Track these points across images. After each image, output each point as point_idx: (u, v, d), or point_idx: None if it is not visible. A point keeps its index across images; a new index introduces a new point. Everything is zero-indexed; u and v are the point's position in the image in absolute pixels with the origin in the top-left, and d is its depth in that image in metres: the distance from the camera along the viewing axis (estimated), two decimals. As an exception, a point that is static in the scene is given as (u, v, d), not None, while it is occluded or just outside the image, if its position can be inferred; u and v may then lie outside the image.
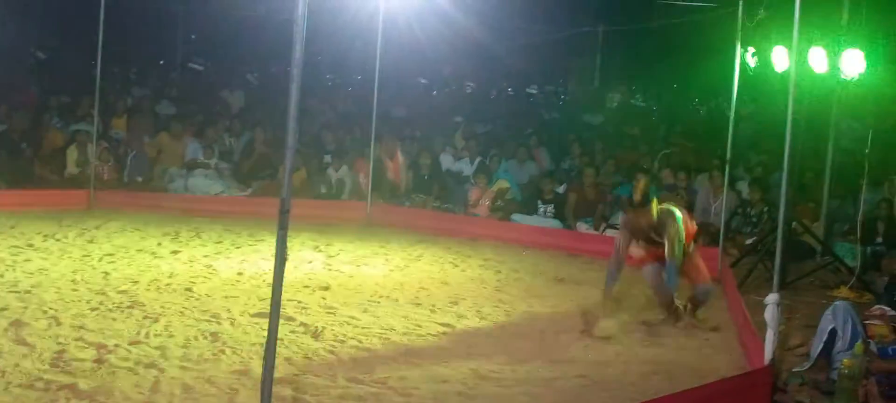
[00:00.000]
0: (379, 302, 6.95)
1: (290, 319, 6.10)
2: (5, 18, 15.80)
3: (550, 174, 11.85)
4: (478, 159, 12.48)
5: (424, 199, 11.74)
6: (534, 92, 18.58)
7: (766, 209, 10.26)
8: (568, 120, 15.19)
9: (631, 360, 5.79)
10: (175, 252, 8.45)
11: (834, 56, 8.03)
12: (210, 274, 7.63)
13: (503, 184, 11.52)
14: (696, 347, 6.28)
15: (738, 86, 8.93)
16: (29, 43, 17.90)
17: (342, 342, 5.73)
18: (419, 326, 6.24)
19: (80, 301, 6.24)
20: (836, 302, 5.79)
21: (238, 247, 8.95)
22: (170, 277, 7.32)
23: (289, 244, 3.47)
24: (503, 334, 6.24)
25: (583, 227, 10.63)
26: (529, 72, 18.14)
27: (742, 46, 8.86)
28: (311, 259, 8.56)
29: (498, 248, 9.73)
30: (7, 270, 7.07)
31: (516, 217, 10.98)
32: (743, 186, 11.07)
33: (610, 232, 10.03)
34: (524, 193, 11.56)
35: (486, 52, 15.73)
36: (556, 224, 10.76)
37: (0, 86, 13.59)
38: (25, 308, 5.88)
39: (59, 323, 5.57)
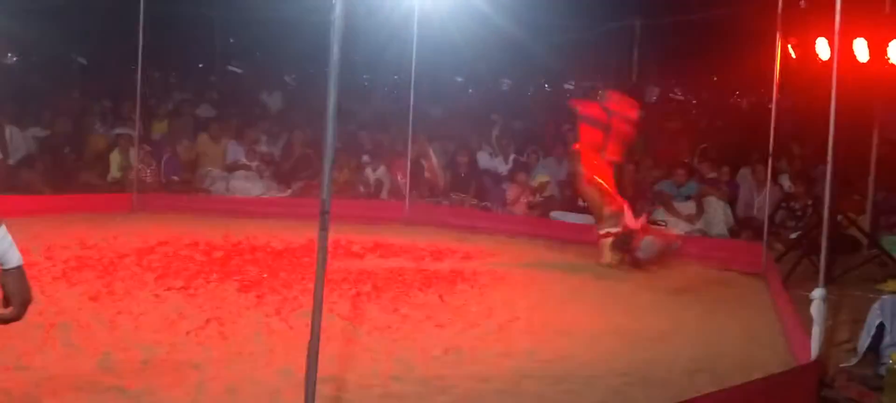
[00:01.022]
0: (419, 301, 6.96)
1: (332, 318, 6.13)
2: (47, 25, 16.11)
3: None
4: (513, 157, 12.45)
5: (462, 198, 11.74)
6: (571, 88, 18.46)
7: (810, 202, 10.12)
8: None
9: (675, 358, 5.73)
10: (216, 252, 8.53)
11: (877, 46, 7.90)
12: (251, 274, 7.70)
13: (543, 178, 11.49)
14: (741, 343, 6.22)
15: (780, 78, 8.81)
16: (70, 49, 18.23)
17: (382, 336, 5.76)
18: (460, 323, 6.24)
19: (128, 303, 6.33)
20: (884, 296, 5.69)
21: (279, 247, 9.02)
22: (218, 277, 7.40)
23: (328, 243, 3.49)
24: (544, 331, 6.22)
25: (623, 223, 10.55)
26: (566, 67, 18.03)
27: (783, 37, 8.74)
28: (349, 256, 8.61)
29: (537, 245, 9.70)
30: (55, 273, 7.18)
31: (555, 214, 10.94)
32: (786, 180, 10.92)
33: (651, 228, 9.94)
34: (563, 190, 11.51)
35: (522, 49, 15.65)
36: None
37: (43, 91, 13.86)
38: (73, 310, 5.97)
39: (106, 326, 5.66)
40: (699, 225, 10.32)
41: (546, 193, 11.38)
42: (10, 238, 2.38)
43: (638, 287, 8.11)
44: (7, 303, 2.43)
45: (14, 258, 2.40)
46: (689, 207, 10.49)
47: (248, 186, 12.13)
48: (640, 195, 10.82)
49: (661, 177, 11.25)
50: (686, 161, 11.66)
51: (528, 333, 6.13)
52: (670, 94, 17.66)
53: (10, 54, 17.81)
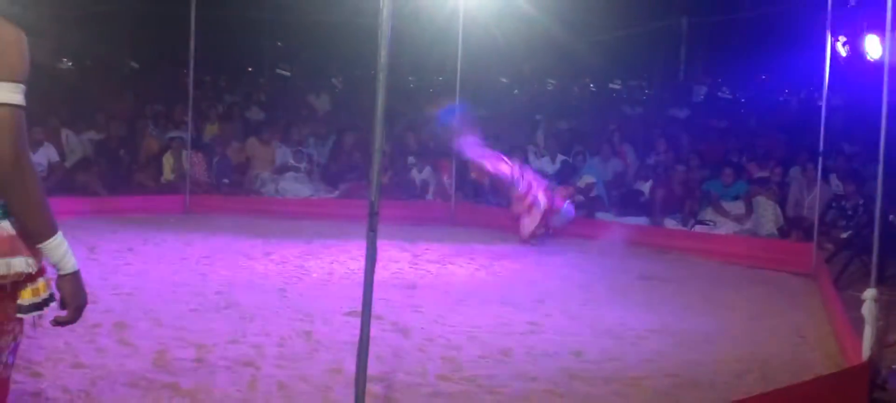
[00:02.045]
0: (465, 301, 7.01)
1: (380, 318, 6.20)
2: (100, 31, 16.49)
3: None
4: (559, 157, 12.43)
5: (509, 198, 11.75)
6: (616, 87, 18.36)
7: (861, 202, 9.95)
8: (652, 114, 14.98)
9: (723, 359, 5.70)
10: (268, 253, 8.69)
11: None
12: (302, 274, 7.83)
13: (588, 179, 11.46)
14: (791, 344, 6.15)
15: (830, 76, 8.69)
16: (124, 54, 18.64)
17: (431, 340, 5.80)
18: (506, 324, 6.27)
19: (179, 302, 6.48)
20: (938, 297, 5.60)
21: (328, 248, 9.15)
22: (263, 278, 7.54)
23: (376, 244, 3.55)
24: (591, 332, 6.22)
25: (670, 223, 10.49)
26: (612, 66, 17.94)
27: (832, 35, 8.61)
28: (397, 258, 8.69)
29: (583, 246, 9.68)
30: (110, 274, 7.37)
31: (601, 214, 10.91)
32: (836, 179, 10.76)
33: (699, 228, 9.89)
34: (609, 190, 11.48)
35: (567, 49, 15.63)
36: (643, 220, 10.66)
37: (97, 95, 14.19)
38: (128, 310, 6.12)
39: (160, 324, 5.79)
40: (748, 225, 10.21)
41: (592, 194, 11.34)
42: (66, 244, 2.45)
43: (686, 286, 8.06)
44: (64, 306, 2.51)
45: (70, 263, 2.46)
46: (737, 207, 10.39)
47: (296, 188, 12.31)
48: (689, 194, 10.74)
49: (710, 176, 11.15)
50: (734, 160, 11.53)
51: (575, 334, 6.13)
52: (718, 93, 17.45)
53: (64, 60, 18.26)
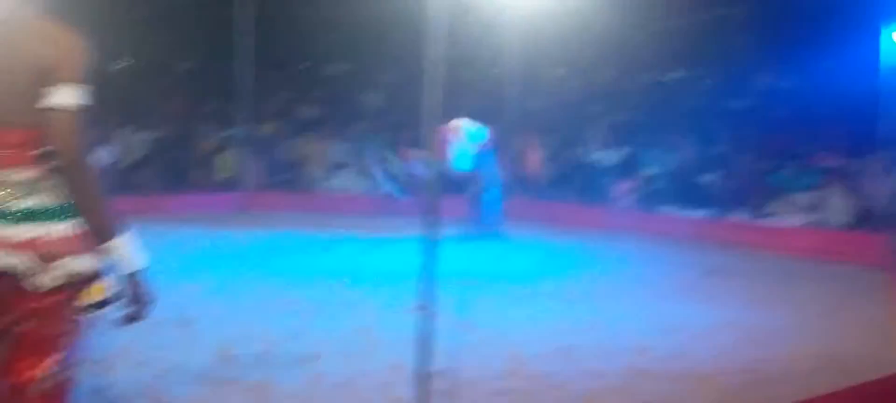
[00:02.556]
0: (527, 296, 6.90)
1: (441, 313, 6.10)
2: (156, 31, 16.71)
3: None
4: (618, 149, 12.21)
5: (567, 192, 11.62)
6: (676, 76, 18.01)
7: (937, 191, 9.59)
8: (714, 105, 14.64)
9: (794, 354, 5.50)
10: (325, 249, 8.68)
11: None
12: (360, 269, 7.79)
13: (650, 171, 11.26)
14: (864, 340, 5.92)
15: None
16: (178, 53, 18.86)
17: (493, 335, 5.71)
18: (570, 320, 6.15)
19: (240, 299, 6.49)
20: None
21: (384, 243, 9.12)
22: (325, 273, 7.52)
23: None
24: (657, 328, 6.05)
25: (736, 216, 10.24)
26: (670, 57, 17.60)
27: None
28: (455, 254, 8.59)
29: (645, 240, 9.49)
30: (171, 272, 7.41)
31: (663, 207, 10.70)
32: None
33: (766, 221, 9.65)
34: (671, 182, 11.24)
35: (624, 39, 15.37)
36: (706, 213, 10.43)
37: (153, 95, 14.39)
38: (190, 307, 6.14)
39: (222, 321, 5.80)
40: (817, 216, 9.90)
41: (653, 186, 11.13)
42: (131, 243, 2.44)
43: (753, 280, 7.85)
44: (129, 304, 2.49)
45: (136, 262, 2.46)
46: (806, 198, 10.09)
47: (350, 184, 12.31)
48: (754, 186, 10.46)
49: (776, 167, 10.85)
50: (802, 150, 11.20)
51: (640, 330, 5.98)
52: (781, 81, 16.99)
53: (120, 60, 18.54)
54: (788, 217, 9.87)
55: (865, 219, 9.75)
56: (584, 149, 12.51)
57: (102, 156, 11.29)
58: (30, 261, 2.34)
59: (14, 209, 2.35)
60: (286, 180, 12.59)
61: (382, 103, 16.25)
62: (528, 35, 11.76)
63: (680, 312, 6.51)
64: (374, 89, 16.89)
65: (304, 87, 17.08)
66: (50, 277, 2.36)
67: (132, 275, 2.45)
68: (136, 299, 2.47)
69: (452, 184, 10.19)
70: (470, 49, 14.60)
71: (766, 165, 10.98)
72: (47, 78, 2.28)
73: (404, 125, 13.22)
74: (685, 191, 10.85)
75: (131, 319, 2.50)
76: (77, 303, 2.44)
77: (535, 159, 12.19)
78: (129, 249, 2.44)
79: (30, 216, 2.35)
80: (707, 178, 10.96)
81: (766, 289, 7.48)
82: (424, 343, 4.07)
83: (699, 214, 10.45)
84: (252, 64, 11.71)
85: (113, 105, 12.50)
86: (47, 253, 2.36)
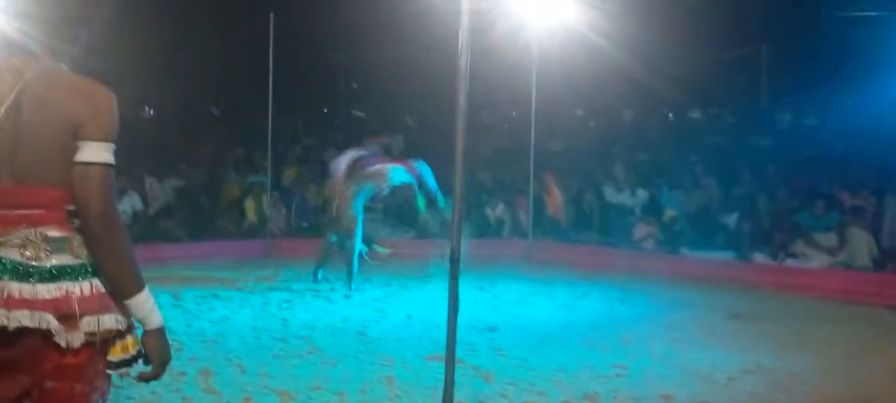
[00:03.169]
0: (548, 342, 6.87)
1: (461, 361, 6.09)
2: (181, 79, 16.97)
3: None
4: (639, 190, 12.19)
5: (588, 235, 11.59)
6: (696, 116, 18.01)
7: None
8: (735, 143, 14.62)
9: (821, 400, 5.44)
10: (347, 296, 8.69)
11: None
12: (381, 317, 7.80)
13: (671, 212, 11.21)
14: (892, 383, 5.85)
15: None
16: (204, 101, 19.14)
17: (514, 384, 5.67)
18: (591, 367, 6.10)
19: (262, 348, 6.50)
20: None
21: (406, 289, 9.13)
22: (344, 321, 7.53)
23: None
24: (680, 374, 6.00)
25: (759, 258, 10.15)
26: (690, 95, 17.62)
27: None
28: (477, 299, 8.59)
29: (667, 283, 9.43)
30: (194, 319, 7.46)
31: (685, 249, 10.64)
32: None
33: (790, 262, 9.57)
34: (692, 224, 11.19)
35: (643, 79, 15.42)
36: (729, 255, 10.35)
37: (179, 143, 14.56)
38: (213, 356, 6.17)
39: (244, 371, 5.81)
40: (842, 257, 9.81)
41: (675, 228, 11.08)
42: (152, 300, 2.46)
43: (777, 323, 7.77)
44: (148, 362, 2.51)
45: (156, 319, 2.47)
46: (830, 239, 9.99)
47: (372, 228, 12.32)
48: (777, 226, 10.38)
49: (799, 207, 10.77)
50: (825, 189, 11.13)
51: (663, 376, 5.93)
52: (803, 120, 16.95)
53: (147, 108, 18.83)
54: (812, 257, 9.78)
55: (890, 259, 9.65)
56: (605, 191, 12.50)
57: (129, 204, 11.43)
58: (58, 319, 2.37)
59: (44, 266, 2.37)
60: (310, 225, 12.65)
61: (403, 146, 16.33)
62: (547, 77, 11.81)
63: (704, 357, 6.46)
64: (395, 132, 16.98)
65: (328, 132, 17.23)
66: (77, 335, 2.38)
67: (153, 332, 2.47)
68: (157, 357, 2.48)
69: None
70: (489, 92, 14.70)
71: (789, 205, 10.92)
72: (77, 134, 2.30)
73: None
74: (707, 232, 10.79)
75: (150, 377, 2.51)
76: (104, 361, 2.48)
77: (556, 201, 12.19)
78: (151, 306, 2.47)
79: (59, 273, 2.37)
80: (729, 219, 10.91)
81: (790, 332, 7.40)
82: (448, 397, 4.06)
83: (722, 255, 10.39)
84: (275, 110, 11.83)
85: (140, 153, 12.67)
86: (75, 311, 2.38)
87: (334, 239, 8.83)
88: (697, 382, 5.81)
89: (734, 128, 16.34)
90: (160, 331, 2.48)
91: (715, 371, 6.06)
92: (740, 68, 16.52)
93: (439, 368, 5.04)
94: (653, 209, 11.57)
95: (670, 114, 18.49)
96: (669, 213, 11.29)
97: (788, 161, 13.19)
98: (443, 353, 4.71)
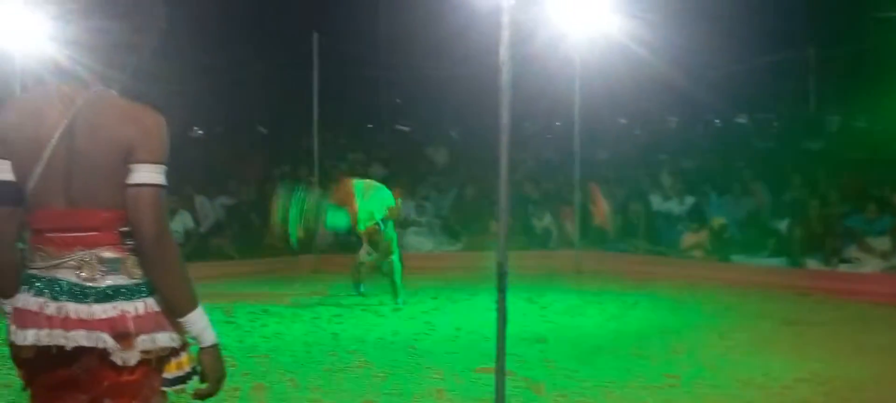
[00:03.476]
0: (598, 354, 6.83)
1: (511, 374, 6.08)
2: (229, 99, 17.24)
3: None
4: (688, 198, 12.04)
5: (635, 244, 11.49)
6: (743, 121, 17.76)
7: None
8: (784, 148, 14.39)
9: None
10: (396, 309, 8.74)
11: None
12: (430, 329, 7.82)
13: (719, 220, 11.06)
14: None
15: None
16: (251, 119, 19.41)
17: (564, 396, 5.66)
18: (642, 378, 6.05)
19: (314, 362, 6.57)
20: None
21: (454, 302, 9.15)
22: (394, 334, 7.57)
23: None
24: (732, 383, 5.93)
25: (812, 263, 9.98)
26: (737, 100, 17.39)
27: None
28: (524, 310, 8.57)
29: (718, 291, 9.31)
30: (246, 335, 7.56)
31: (736, 257, 10.49)
32: None
33: (843, 267, 9.39)
34: (742, 230, 11.03)
35: (687, 85, 15.28)
36: (781, 261, 10.18)
37: (228, 161, 14.77)
38: (266, 372, 6.24)
39: (297, 386, 5.87)
40: (896, 261, 9.60)
41: (724, 235, 10.93)
42: (206, 317, 2.50)
43: (832, 329, 7.63)
44: (203, 379, 2.55)
45: (209, 337, 2.52)
46: (883, 242, 9.78)
47: (419, 241, 12.39)
48: (829, 231, 10.18)
49: (851, 211, 10.56)
50: (877, 193, 10.89)
51: (716, 386, 5.86)
52: (853, 122, 16.61)
53: (195, 129, 19.15)
54: (865, 262, 9.59)
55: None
56: (652, 199, 12.38)
57: (180, 223, 11.62)
58: (114, 338, 2.43)
59: (99, 286, 2.43)
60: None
61: (448, 159, 16.39)
62: (590, 86, 11.77)
63: (757, 365, 6.36)
64: (441, 145, 17.05)
65: (372, 147, 17.35)
66: (133, 353, 2.43)
67: (208, 349, 2.52)
68: (212, 373, 2.52)
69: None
70: (531, 102, 14.68)
71: (840, 209, 10.70)
72: (128, 157, 2.36)
73: (472, 179, 13.32)
74: (757, 239, 10.63)
75: (206, 394, 2.56)
76: (159, 378, 2.53)
77: (602, 210, 12.10)
78: (205, 324, 2.51)
79: (114, 293, 2.43)
80: (780, 224, 10.73)
81: (845, 339, 7.26)
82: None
83: (773, 262, 10.23)
84: (320, 127, 11.98)
85: (190, 173, 12.89)
86: (130, 330, 2.43)
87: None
88: (751, 391, 5.74)
89: (782, 133, 16.08)
90: (215, 348, 2.52)
91: (769, 380, 5.97)
92: (787, 72, 16.25)
93: (489, 380, 5.05)
94: (701, 216, 11.42)
95: (717, 121, 18.26)
96: (718, 221, 11.14)
97: (839, 164, 12.93)
98: (492, 365, 4.72)
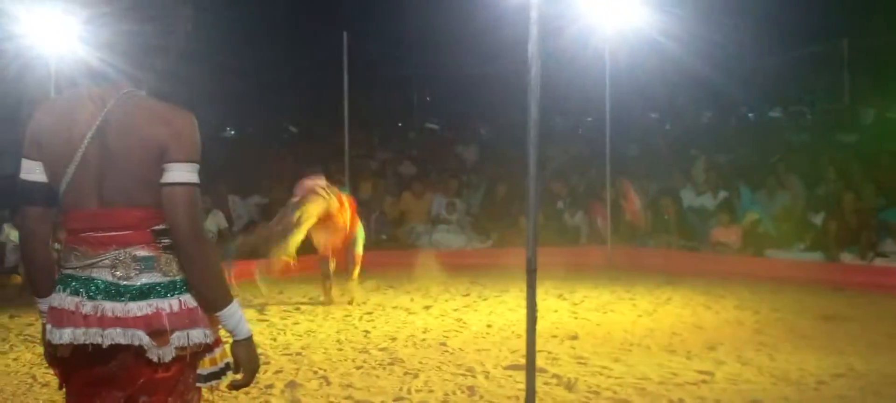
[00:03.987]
0: (630, 350, 6.78)
1: (542, 371, 6.08)
2: (260, 99, 17.39)
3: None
4: (722, 192, 11.92)
5: (668, 239, 11.41)
6: (777, 114, 17.56)
7: None
8: (818, 141, 14.20)
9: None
10: (427, 307, 8.76)
11: None
12: (461, 327, 7.83)
13: (753, 215, 10.94)
14: None
15: None
16: (282, 119, 19.57)
17: (596, 393, 5.62)
18: (676, 375, 6.00)
19: (346, 360, 6.60)
20: None
21: (485, 299, 9.14)
22: (424, 332, 7.59)
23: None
24: (768, 379, 5.86)
25: (847, 257, 9.84)
26: (770, 93, 17.21)
27: None
28: (556, 307, 8.55)
29: (753, 286, 9.22)
30: (279, 333, 7.61)
31: (770, 252, 10.38)
32: None
33: (879, 262, 9.25)
34: (777, 225, 10.90)
35: (719, 79, 15.13)
36: (817, 256, 10.06)
37: (261, 161, 14.88)
38: (298, 369, 6.28)
39: (328, 383, 5.90)
40: (934, 253, 9.45)
41: (758, 230, 10.81)
42: (240, 311, 2.55)
43: (869, 325, 7.52)
44: (238, 371, 2.59)
45: (243, 330, 2.56)
46: (921, 235, 9.65)
47: (450, 239, 12.42)
48: (865, 225, 10.03)
49: (887, 204, 10.40)
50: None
51: (751, 382, 5.80)
52: (888, 114, 16.35)
53: (227, 129, 19.34)
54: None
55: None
56: (684, 194, 12.27)
57: (213, 222, 11.73)
58: (149, 335, 2.46)
59: (134, 285, 2.47)
60: (388, 237, 12.80)
61: (477, 156, 16.39)
62: (620, 81, 11.70)
63: (792, 361, 6.29)
64: (470, 143, 17.06)
65: (402, 145, 17.41)
66: (168, 350, 2.47)
67: (242, 342, 2.55)
68: (246, 366, 2.57)
69: None
70: (561, 98, 14.64)
71: (876, 202, 10.54)
72: (161, 157, 2.41)
73: (501, 176, 13.31)
74: (792, 233, 10.50)
75: (241, 385, 2.60)
76: (194, 374, 2.56)
77: (634, 206, 12.04)
78: (240, 318, 2.55)
79: (148, 291, 2.47)
80: (815, 218, 10.60)
81: (881, 334, 7.16)
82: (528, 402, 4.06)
83: (808, 257, 10.10)
84: (350, 126, 12.05)
85: (223, 172, 13.02)
86: (165, 327, 2.47)
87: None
88: (786, 387, 5.67)
89: (816, 126, 15.88)
90: (249, 341, 2.57)
91: (804, 376, 5.90)
92: (821, 64, 16.06)
93: (520, 377, 5.04)
94: (734, 211, 11.31)
95: (750, 114, 18.07)
96: (751, 215, 11.02)
97: (874, 157, 12.73)
98: (523, 362, 4.71)
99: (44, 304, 2.58)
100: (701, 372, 6.04)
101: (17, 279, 9.90)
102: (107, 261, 2.47)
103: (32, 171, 2.51)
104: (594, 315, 8.25)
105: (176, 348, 2.48)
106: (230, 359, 2.60)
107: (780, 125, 16.75)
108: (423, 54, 19.07)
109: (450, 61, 17.93)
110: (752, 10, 14.84)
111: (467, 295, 9.39)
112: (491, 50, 15.16)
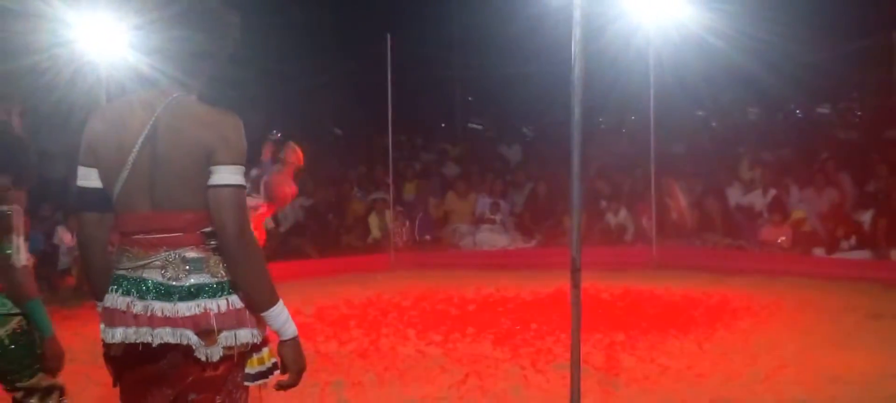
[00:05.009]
0: (677, 348, 6.74)
1: (587, 368, 6.07)
2: (307, 103, 17.56)
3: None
4: (766, 191, 11.75)
5: (713, 238, 11.29)
6: (826, 111, 17.26)
7: None
8: (868, 137, 13.92)
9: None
10: (474, 306, 8.77)
11: None
12: (509, 326, 7.82)
13: (800, 213, 10.78)
14: None
15: None
16: (327, 122, 19.73)
17: (645, 391, 5.61)
18: (725, 373, 5.96)
19: (395, 359, 6.63)
20: None
21: (529, 298, 9.13)
22: (472, 331, 7.60)
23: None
24: (815, 378, 5.79)
25: (896, 255, 9.67)
26: (819, 90, 16.91)
27: None
28: (600, 306, 8.51)
29: (800, 285, 9.09)
30: (327, 334, 7.68)
31: (817, 250, 10.21)
32: None
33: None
34: (825, 223, 10.72)
35: (766, 75, 14.91)
36: (865, 254, 9.88)
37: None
38: (347, 369, 6.34)
39: (377, 383, 5.96)
40: None
41: (805, 228, 10.65)
42: (286, 312, 2.59)
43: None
44: (285, 371, 2.64)
45: (290, 330, 2.61)
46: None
47: (493, 239, 12.43)
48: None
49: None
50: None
51: (799, 382, 5.73)
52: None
53: (274, 131, 19.50)
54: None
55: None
56: (731, 192, 12.12)
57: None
58: (197, 334, 2.53)
59: (183, 285, 2.54)
60: (432, 238, 12.86)
61: (521, 157, 16.37)
62: (664, 79, 11.59)
63: (842, 360, 6.20)
64: (513, 143, 17.04)
65: (446, 146, 17.45)
66: (216, 349, 2.53)
67: (288, 342, 2.60)
68: (292, 365, 2.62)
69: None
70: (605, 97, 14.55)
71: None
72: (208, 160, 2.46)
73: (545, 176, 13.29)
74: (841, 231, 10.32)
75: (288, 385, 2.65)
76: (242, 373, 2.62)
77: (679, 205, 11.92)
78: (286, 318, 2.59)
79: (197, 291, 2.53)
80: (864, 216, 10.40)
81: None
82: (573, 399, 4.06)
83: (857, 254, 9.92)
84: (394, 128, 12.13)
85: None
86: (213, 327, 2.53)
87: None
88: (835, 387, 5.60)
89: (866, 122, 15.56)
90: (295, 341, 2.61)
91: (853, 375, 5.82)
92: (870, 60, 15.75)
93: (565, 375, 5.04)
94: (782, 209, 11.14)
95: (798, 111, 17.79)
96: (799, 213, 10.85)
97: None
98: (568, 361, 4.71)
99: (100, 305, 2.66)
100: (751, 371, 5.98)
101: (71, 280, 10.13)
102: (157, 262, 2.54)
103: (89, 178, 2.59)
104: (639, 313, 8.19)
105: (223, 347, 2.54)
106: (277, 359, 2.65)
107: (829, 122, 16.46)
108: (466, 55, 19.11)
109: (493, 62, 17.94)
110: (799, 4, 14.60)
111: (514, 294, 9.39)
112: (533, 50, 15.15)
